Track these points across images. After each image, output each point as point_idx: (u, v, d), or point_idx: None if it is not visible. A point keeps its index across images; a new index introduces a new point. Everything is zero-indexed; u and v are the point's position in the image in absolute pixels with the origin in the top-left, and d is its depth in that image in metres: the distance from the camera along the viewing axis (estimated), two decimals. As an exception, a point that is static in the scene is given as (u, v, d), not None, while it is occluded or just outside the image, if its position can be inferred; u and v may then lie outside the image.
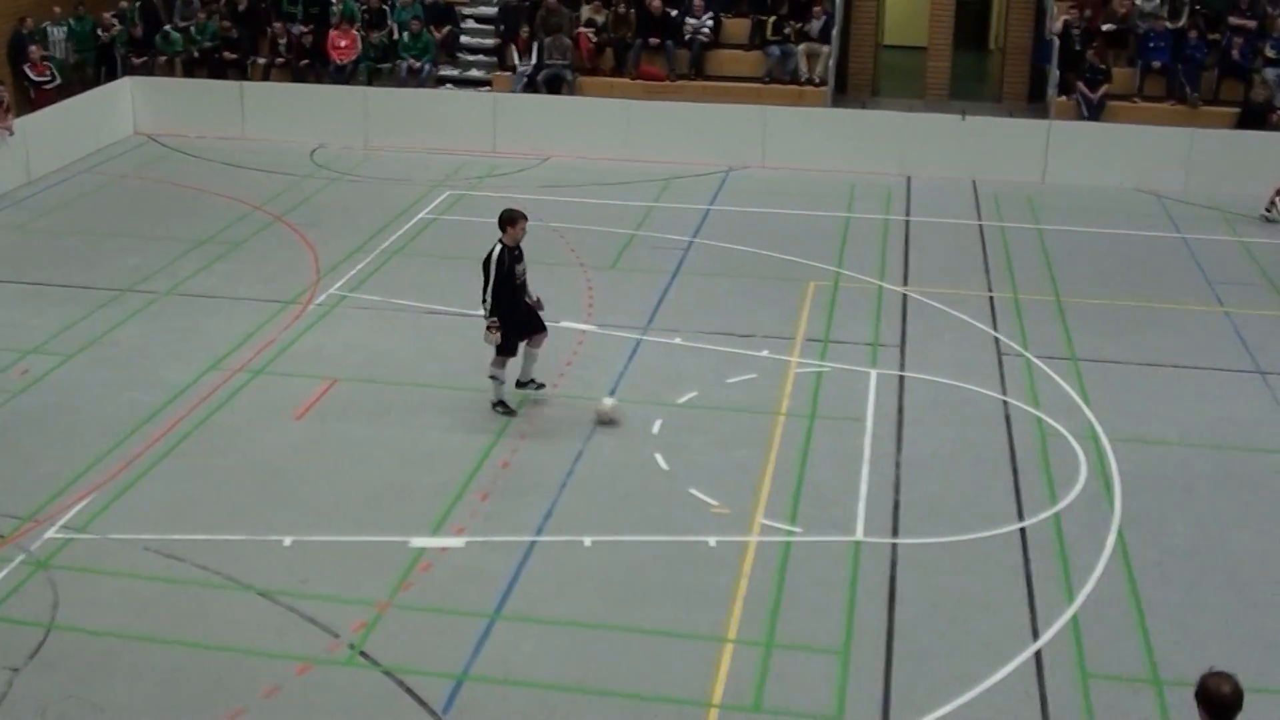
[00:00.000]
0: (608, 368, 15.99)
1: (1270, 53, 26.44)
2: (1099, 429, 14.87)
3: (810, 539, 12.48)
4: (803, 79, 27.40)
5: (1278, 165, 24.62)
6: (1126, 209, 23.72)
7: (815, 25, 27.49)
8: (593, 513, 12.90)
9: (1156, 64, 26.70)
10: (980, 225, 22.47)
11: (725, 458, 14.01)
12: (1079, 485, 13.65)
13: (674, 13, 27.75)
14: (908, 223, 22.47)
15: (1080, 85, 26.33)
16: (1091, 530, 12.82)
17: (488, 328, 14.44)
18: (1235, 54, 26.39)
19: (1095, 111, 26.29)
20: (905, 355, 16.73)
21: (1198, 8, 27.34)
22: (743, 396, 15.43)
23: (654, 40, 27.49)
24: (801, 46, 27.38)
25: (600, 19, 27.91)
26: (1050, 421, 15.02)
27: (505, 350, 14.69)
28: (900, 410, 15.19)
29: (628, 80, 27.45)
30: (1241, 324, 18.18)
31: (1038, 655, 10.93)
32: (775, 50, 27.43)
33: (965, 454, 14.32)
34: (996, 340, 17.27)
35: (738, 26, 28.31)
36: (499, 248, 14.39)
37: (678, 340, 16.87)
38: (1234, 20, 26.97)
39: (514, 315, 14.55)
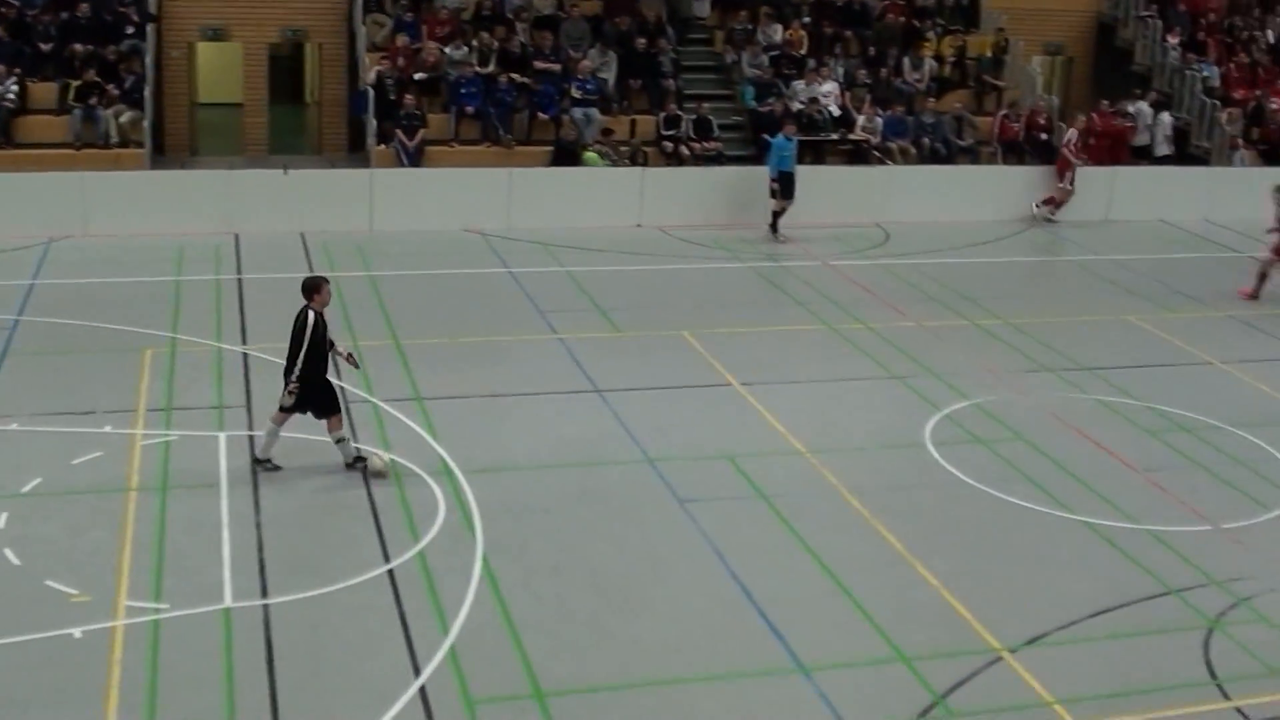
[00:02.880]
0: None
1: (576, 93, 28.10)
2: (452, 463, 15.28)
3: (179, 613, 12.10)
4: (115, 141, 26.58)
5: (588, 196, 26.30)
6: (455, 249, 24.54)
7: (125, 86, 26.72)
8: (-61, 621, 11.98)
9: (470, 109, 27.80)
10: (314, 276, 22.55)
11: (79, 542, 13.35)
12: (439, 520, 13.97)
13: (-32, 80, 26.31)
14: (240, 280, 22.23)
15: (398, 133, 26.99)
16: (457, 561, 13.15)
17: (289, 391, 14.36)
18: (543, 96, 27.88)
19: (414, 158, 27.02)
20: (252, 415, 16.53)
21: (505, 53, 28.62)
22: (90, 477, 14.76)
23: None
24: (112, 109, 26.56)
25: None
26: (404, 462, 15.28)
27: (298, 408, 14.60)
28: (254, 470, 15.01)
29: (-76, 155, 25.72)
30: (574, 348, 19.19)
31: (423, 691, 11.08)
32: (79, 113, 26.44)
33: (324, 505, 14.37)
34: (342, 389, 17.37)
35: (45, 91, 27.15)
36: (311, 314, 14.14)
37: (14, 426, 15.94)
38: (540, 65, 28.48)
39: (319, 382, 14.55)
